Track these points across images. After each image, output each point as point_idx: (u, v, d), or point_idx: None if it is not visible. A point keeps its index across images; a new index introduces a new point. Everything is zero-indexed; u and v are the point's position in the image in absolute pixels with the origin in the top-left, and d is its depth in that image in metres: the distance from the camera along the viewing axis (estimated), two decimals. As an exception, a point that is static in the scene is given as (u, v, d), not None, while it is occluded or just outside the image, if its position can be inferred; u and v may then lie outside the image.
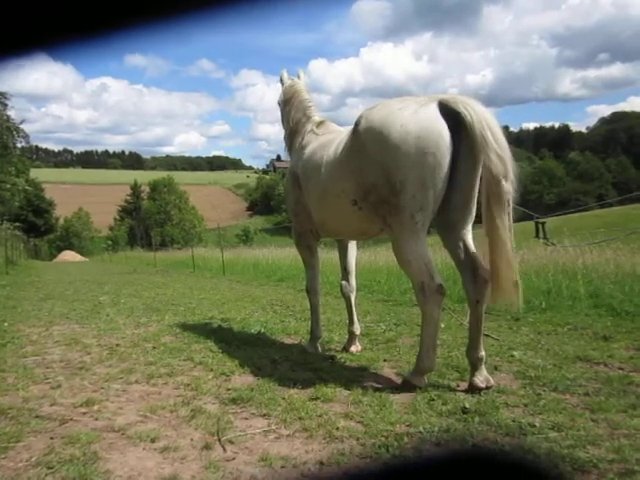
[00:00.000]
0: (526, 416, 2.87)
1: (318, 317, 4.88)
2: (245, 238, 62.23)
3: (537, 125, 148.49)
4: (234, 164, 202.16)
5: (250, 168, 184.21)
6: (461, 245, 3.53)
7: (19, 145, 24.69)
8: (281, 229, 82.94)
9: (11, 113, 23.02)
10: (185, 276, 16.62)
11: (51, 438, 2.66)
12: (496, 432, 2.65)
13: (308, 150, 4.37)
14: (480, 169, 3.17)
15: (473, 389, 3.36)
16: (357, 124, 3.54)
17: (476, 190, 3.30)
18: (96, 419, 2.99)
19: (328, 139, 4.19)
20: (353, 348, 4.72)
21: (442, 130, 3.16)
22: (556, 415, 2.85)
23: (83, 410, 3.13)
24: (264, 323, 6.17)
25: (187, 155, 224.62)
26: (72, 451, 2.49)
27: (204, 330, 5.88)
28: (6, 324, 6.43)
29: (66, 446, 2.55)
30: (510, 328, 5.63)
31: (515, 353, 4.37)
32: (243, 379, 3.80)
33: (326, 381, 3.66)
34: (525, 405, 3.07)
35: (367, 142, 3.41)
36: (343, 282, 4.97)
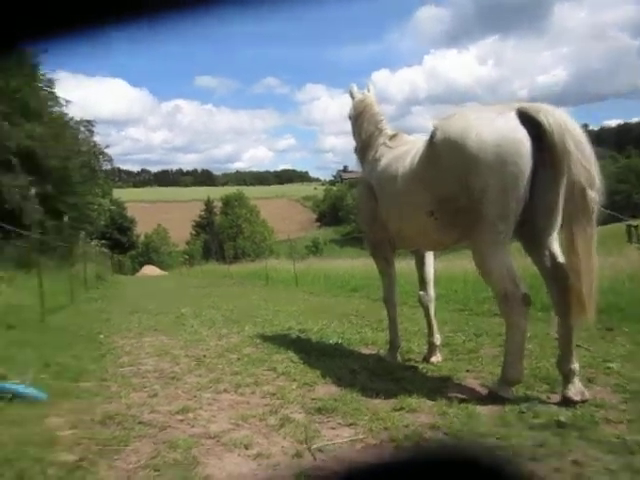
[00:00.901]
0: (632, 433, 2.71)
1: (397, 327, 4.90)
2: (315, 249, 62.87)
3: (620, 122, 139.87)
4: (301, 177, 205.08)
5: (317, 180, 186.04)
6: (546, 253, 3.45)
7: (104, 168, 26.40)
8: (350, 240, 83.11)
9: (96, 139, 24.73)
10: (259, 288, 17.03)
11: (154, 443, 2.86)
12: (598, 449, 2.53)
13: (382, 162, 4.44)
14: (564, 177, 3.11)
15: (567, 402, 3.25)
16: (433, 135, 3.56)
17: (561, 197, 3.23)
18: (192, 426, 3.18)
19: (403, 151, 4.24)
20: (434, 358, 4.71)
21: (522, 138, 3.13)
22: (664, 432, 2.70)
23: (180, 417, 3.33)
24: (341, 334, 6.25)
25: (255, 170, 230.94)
26: (175, 455, 2.67)
27: (283, 341, 6.04)
28: (102, 336, 6.89)
29: (169, 450, 2.73)
30: (603, 338, 5.38)
31: (612, 365, 4.15)
32: (326, 389, 3.89)
33: (409, 391, 3.67)
34: (629, 421, 2.91)
35: (444, 152, 3.43)
36: (421, 292, 4.96)
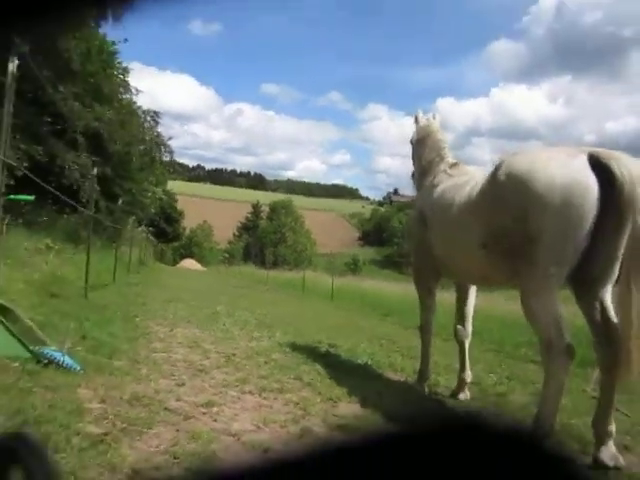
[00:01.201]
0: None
1: (429, 358, 4.83)
2: (354, 267, 62.65)
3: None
4: (351, 193, 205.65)
5: (366, 199, 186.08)
6: (597, 305, 3.33)
7: (164, 159, 27.16)
8: (390, 263, 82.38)
9: (160, 130, 25.55)
10: (294, 297, 17.11)
11: (177, 431, 2.90)
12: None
13: (439, 189, 4.41)
14: (628, 229, 3.00)
15: (598, 465, 3.10)
16: (497, 169, 3.51)
17: (621, 249, 3.12)
18: (215, 420, 3.21)
19: (462, 180, 4.20)
20: (462, 395, 4.60)
21: (590, 184, 3.04)
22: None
23: (204, 410, 3.37)
24: (371, 355, 6.20)
25: (307, 180, 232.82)
26: (194, 447, 2.70)
27: (312, 352, 6.03)
28: (138, 319, 7.06)
29: (189, 441, 2.76)
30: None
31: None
32: (350, 407, 3.86)
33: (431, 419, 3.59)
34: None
35: (507, 188, 3.37)
36: (459, 327, 4.88)
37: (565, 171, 3.11)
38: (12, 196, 6.96)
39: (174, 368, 4.53)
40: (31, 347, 3.46)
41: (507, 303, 13.62)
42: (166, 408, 3.26)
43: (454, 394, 4.63)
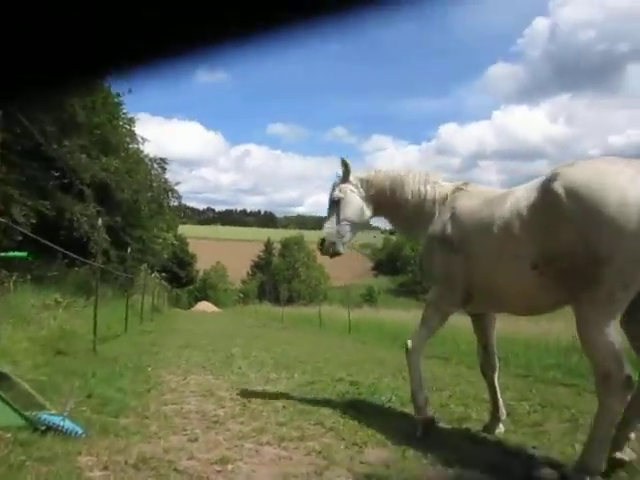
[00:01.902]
0: None
1: (421, 382, 4.40)
2: (369, 298, 62.07)
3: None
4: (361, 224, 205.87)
5: (377, 228, 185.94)
6: None
7: (173, 204, 27.33)
8: (405, 291, 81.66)
9: (168, 176, 25.76)
10: (311, 333, 16.78)
11: (188, 496, 2.64)
12: None
13: (466, 209, 4.00)
14: None
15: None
16: (552, 180, 3.18)
17: None
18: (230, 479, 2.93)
19: (496, 196, 3.84)
20: (496, 429, 4.27)
21: None
22: None
23: (218, 468, 3.10)
24: (395, 390, 5.89)
25: (317, 215, 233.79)
26: (207, 513, 2.43)
27: (333, 392, 5.75)
28: (150, 369, 6.82)
29: (202, 507, 2.50)
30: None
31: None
32: (377, 453, 3.56)
33: (469, 466, 3.30)
34: None
35: (566, 203, 3.02)
36: (483, 358, 4.60)
37: (638, 187, 2.84)
38: (3, 254, 6.86)
39: (186, 421, 4.26)
40: (27, 413, 3.22)
41: (529, 325, 13.26)
42: (176, 469, 2.99)
43: (487, 429, 4.30)
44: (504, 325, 13.20)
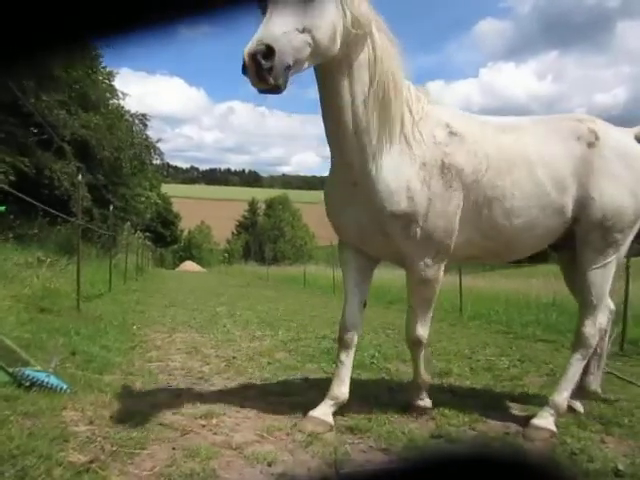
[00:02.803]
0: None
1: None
2: (354, 257, 62.31)
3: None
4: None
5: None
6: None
7: (155, 162, 26.92)
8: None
9: (150, 133, 25.25)
10: (296, 292, 16.91)
11: (173, 449, 2.67)
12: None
13: (471, 132, 3.22)
14: None
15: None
16: (597, 138, 3.33)
17: None
18: (215, 433, 2.97)
19: (503, 125, 3.44)
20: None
21: None
22: None
23: (202, 422, 3.14)
24: (378, 347, 6.00)
25: (303, 174, 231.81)
26: (192, 465, 2.46)
27: (317, 349, 5.82)
28: (135, 328, 6.83)
29: (187, 459, 2.53)
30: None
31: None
32: (359, 406, 3.62)
33: (448, 417, 3.39)
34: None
35: (617, 163, 3.32)
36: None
37: None
38: None
39: (171, 377, 4.30)
40: (11, 369, 3.21)
41: (509, 283, 13.48)
42: (161, 424, 3.02)
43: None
44: (485, 283, 13.45)
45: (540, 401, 3.85)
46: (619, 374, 4.81)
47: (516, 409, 3.73)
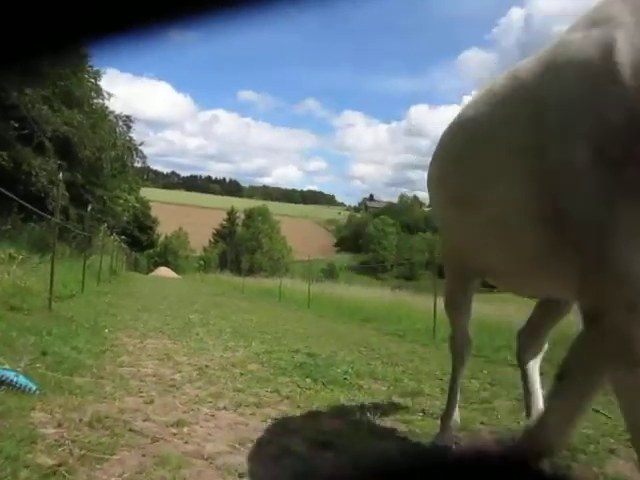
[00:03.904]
0: (660, 519, 2.47)
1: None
2: (330, 273, 62.60)
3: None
4: (327, 200, 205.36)
5: (342, 205, 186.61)
6: None
7: (136, 165, 26.72)
8: (366, 268, 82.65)
9: (133, 135, 25.06)
10: (271, 305, 16.84)
11: (143, 455, 2.64)
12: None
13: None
14: None
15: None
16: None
17: None
18: (186, 442, 2.95)
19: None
20: None
21: None
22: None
23: (174, 430, 3.11)
24: (350, 363, 6.00)
25: (283, 187, 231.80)
26: (162, 473, 2.44)
27: (290, 362, 5.80)
28: (106, 331, 6.73)
29: (157, 467, 2.50)
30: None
31: (633, 436, 3.87)
32: (331, 422, 3.63)
33: (419, 437, 3.42)
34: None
35: None
36: None
37: None
38: None
39: (142, 384, 4.24)
40: (-21, 367, 3.14)
41: (482, 307, 13.65)
42: (131, 429, 2.98)
43: None
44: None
45: (509, 424, 3.91)
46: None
47: (485, 431, 3.78)
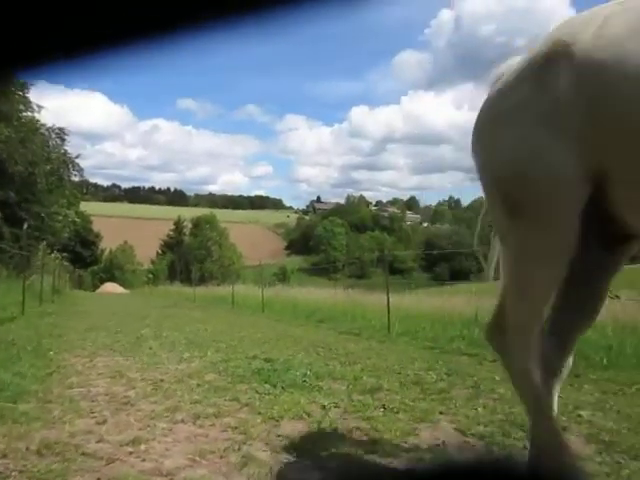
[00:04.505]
0: (612, 489, 2.56)
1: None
2: (282, 277, 62.46)
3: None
4: (275, 204, 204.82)
5: (290, 208, 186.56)
6: None
7: (73, 179, 25.73)
8: (318, 269, 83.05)
9: (68, 148, 24.11)
10: (224, 312, 16.60)
11: (98, 479, 2.51)
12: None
13: None
14: None
15: None
16: None
17: None
18: (143, 460, 2.83)
19: None
20: None
21: None
22: (648, 490, 2.53)
23: (130, 449, 2.98)
24: (309, 365, 5.98)
25: (230, 194, 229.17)
26: (119, 495, 2.33)
27: (248, 369, 5.72)
28: (52, 353, 6.43)
29: (113, 489, 2.39)
30: (571, 385, 5.24)
31: (582, 413, 4.03)
32: (293, 425, 3.59)
33: (381, 432, 3.43)
34: (607, 474, 2.77)
35: None
36: None
37: None
38: None
39: (93, 404, 4.06)
40: None
41: (432, 300, 13.96)
42: (84, 453, 2.84)
43: None
44: (411, 302, 13.84)
45: (466, 412, 3.99)
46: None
47: (445, 421, 3.83)
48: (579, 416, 3.95)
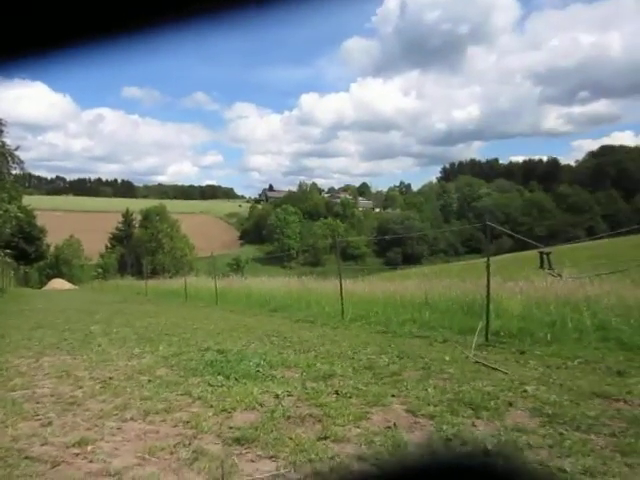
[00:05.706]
0: (553, 459, 2.70)
1: None
2: (236, 267, 61.94)
3: (526, 158, 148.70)
4: (226, 193, 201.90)
5: (242, 197, 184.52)
6: None
7: (14, 172, 24.56)
8: (271, 258, 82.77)
9: (7, 140, 22.95)
10: (177, 305, 16.34)
11: (42, 483, 2.45)
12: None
13: None
14: None
15: None
16: None
17: None
18: (90, 461, 2.77)
19: None
20: None
21: None
22: (585, 458, 2.68)
23: (76, 451, 2.91)
24: (262, 355, 5.98)
25: (180, 184, 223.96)
26: (65, 498, 2.28)
27: (200, 362, 5.67)
28: (-7, 355, 6.17)
29: (59, 492, 2.33)
30: (517, 362, 5.47)
31: (527, 388, 4.22)
32: (245, 416, 3.59)
33: (334, 418, 3.47)
34: (550, 446, 2.90)
35: None
36: None
37: None
38: None
39: (39, 405, 3.93)
40: None
41: (385, 285, 14.18)
42: (28, 457, 2.76)
43: None
44: (364, 287, 14.02)
45: (417, 394, 4.09)
46: (485, 362, 5.26)
47: (397, 403, 3.92)
48: (524, 391, 4.13)
